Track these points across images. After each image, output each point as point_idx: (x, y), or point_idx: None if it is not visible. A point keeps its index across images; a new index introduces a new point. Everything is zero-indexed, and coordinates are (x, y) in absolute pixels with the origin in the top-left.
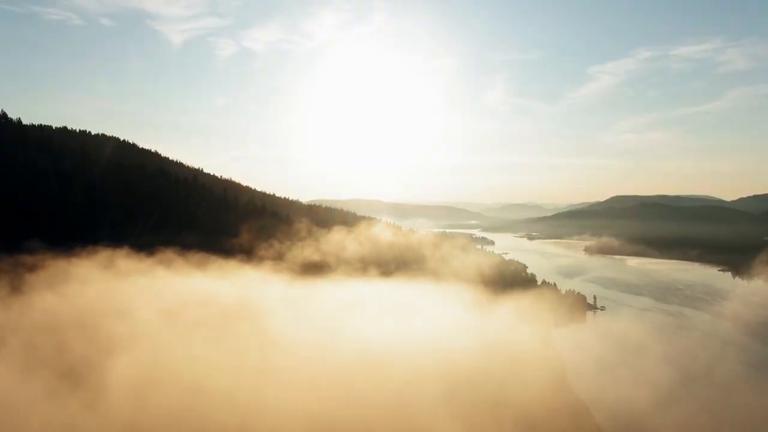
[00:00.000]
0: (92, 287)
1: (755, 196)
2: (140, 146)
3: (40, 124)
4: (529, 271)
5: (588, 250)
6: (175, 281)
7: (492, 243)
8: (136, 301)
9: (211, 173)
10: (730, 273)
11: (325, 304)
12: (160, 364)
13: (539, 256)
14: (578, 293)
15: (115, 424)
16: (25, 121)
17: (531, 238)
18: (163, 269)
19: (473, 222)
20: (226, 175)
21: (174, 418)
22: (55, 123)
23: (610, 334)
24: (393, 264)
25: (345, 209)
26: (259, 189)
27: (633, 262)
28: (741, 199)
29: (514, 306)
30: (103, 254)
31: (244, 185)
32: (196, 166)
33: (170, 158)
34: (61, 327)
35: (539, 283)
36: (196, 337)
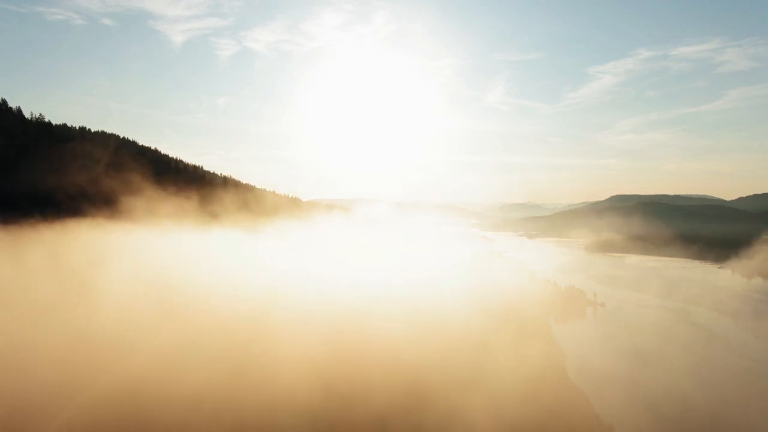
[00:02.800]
0: (88, 234)
1: (755, 195)
2: (140, 143)
3: (40, 114)
4: (529, 267)
5: (588, 248)
6: (176, 234)
7: (492, 242)
8: (135, 244)
9: (211, 171)
10: (729, 270)
11: (325, 252)
12: (165, 297)
13: (539, 253)
14: (578, 289)
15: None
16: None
17: (531, 236)
18: (161, 231)
19: (473, 221)
20: (226, 173)
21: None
22: (55, 121)
23: (610, 329)
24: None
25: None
26: (259, 186)
27: (633, 259)
28: (740, 198)
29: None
30: (100, 220)
31: (244, 183)
32: (197, 164)
33: (170, 155)
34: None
35: (539, 279)
36: (195, 280)
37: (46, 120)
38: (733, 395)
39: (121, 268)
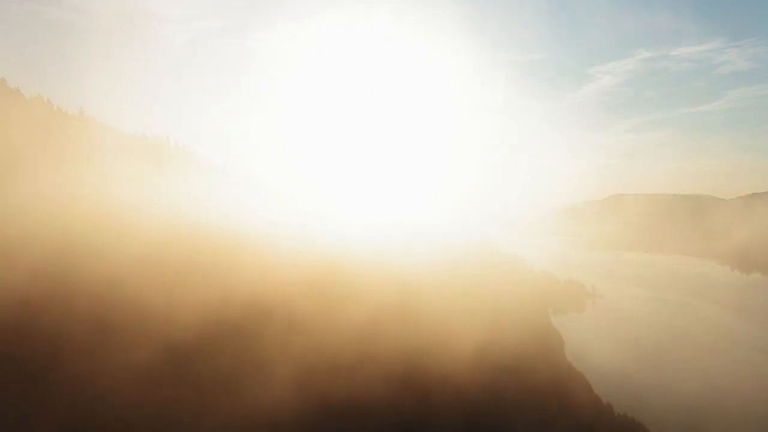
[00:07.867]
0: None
1: (753, 194)
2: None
3: (39, 95)
4: (529, 263)
5: (588, 245)
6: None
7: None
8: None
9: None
10: (728, 266)
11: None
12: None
13: (540, 250)
14: (578, 283)
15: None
16: None
17: (531, 234)
18: None
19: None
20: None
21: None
22: None
23: (607, 319)
24: None
25: None
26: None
27: (632, 256)
28: (739, 198)
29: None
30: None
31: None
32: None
33: None
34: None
35: (540, 274)
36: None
37: (45, 98)
38: (724, 379)
39: None
